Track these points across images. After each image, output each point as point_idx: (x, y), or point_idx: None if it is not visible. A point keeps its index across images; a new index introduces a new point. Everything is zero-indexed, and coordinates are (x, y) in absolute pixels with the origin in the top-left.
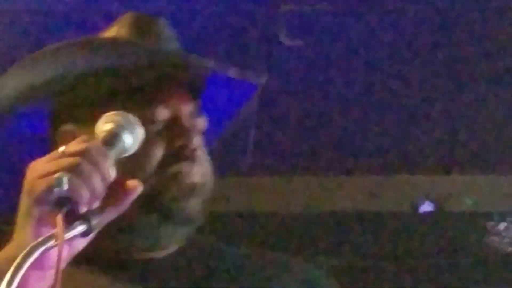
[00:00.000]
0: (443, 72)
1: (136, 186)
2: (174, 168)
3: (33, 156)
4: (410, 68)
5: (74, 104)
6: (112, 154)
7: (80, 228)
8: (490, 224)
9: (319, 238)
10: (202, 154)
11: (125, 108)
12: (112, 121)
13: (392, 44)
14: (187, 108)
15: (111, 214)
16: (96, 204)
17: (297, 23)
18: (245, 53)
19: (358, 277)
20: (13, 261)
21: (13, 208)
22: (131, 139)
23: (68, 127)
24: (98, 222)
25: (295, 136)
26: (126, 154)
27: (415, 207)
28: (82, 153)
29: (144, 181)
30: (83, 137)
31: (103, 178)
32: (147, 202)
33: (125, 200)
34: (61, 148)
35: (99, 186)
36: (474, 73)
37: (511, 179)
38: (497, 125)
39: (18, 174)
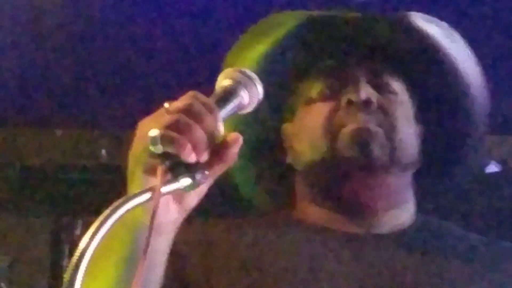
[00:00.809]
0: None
1: (237, 139)
2: (340, 119)
3: None
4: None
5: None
6: (224, 110)
7: (184, 182)
8: None
9: None
10: (386, 112)
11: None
12: (230, 77)
13: None
14: (363, 68)
15: (218, 169)
16: (198, 159)
17: None
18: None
19: None
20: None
21: None
22: (248, 96)
23: (284, 125)
24: (204, 176)
25: None
26: (244, 111)
27: (481, 168)
28: (183, 109)
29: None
30: (192, 92)
31: (208, 132)
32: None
33: (227, 153)
34: (166, 105)
35: (201, 139)
36: None
37: None
38: None
39: None
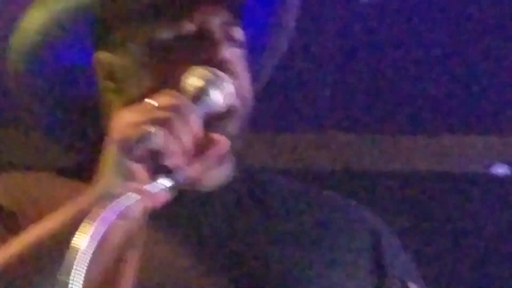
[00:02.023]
0: None
1: (224, 143)
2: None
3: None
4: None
5: (108, 26)
6: (200, 111)
7: (166, 183)
8: None
9: (388, 197)
10: (236, 69)
11: (153, 26)
12: (200, 76)
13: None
14: (215, 20)
15: (197, 171)
16: (183, 161)
17: None
18: (320, 9)
19: (427, 238)
20: (96, 209)
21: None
22: (220, 95)
23: (104, 55)
24: (186, 179)
25: (369, 94)
26: (214, 111)
27: (488, 169)
28: (173, 108)
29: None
30: (172, 91)
31: (193, 135)
32: None
33: (213, 157)
34: (151, 100)
35: (188, 143)
36: None
37: None
38: None
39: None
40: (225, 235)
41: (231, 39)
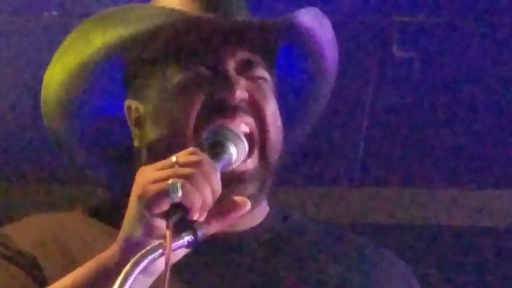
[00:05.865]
0: None
1: (245, 203)
2: (216, 123)
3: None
4: None
5: (131, 74)
6: (218, 166)
7: (187, 238)
8: None
9: (426, 250)
10: (258, 104)
11: (166, 71)
12: (218, 133)
13: (507, 59)
14: (230, 61)
15: (216, 227)
16: (203, 217)
17: (410, 35)
18: (355, 64)
19: None
20: (120, 263)
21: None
22: (236, 152)
23: (130, 102)
24: (204, 234)
25: (405, 148)
26: (230, 168)
27: None
28: (195, 164)
29: (185, 140)
30: (193, 148)
31: (213, 191)
32: None
33: (233, 215)
34: (173, 158)
35: (209, 198)
36: None
37: None
38: None
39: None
40: (260, 268)
41: (250, 77)
